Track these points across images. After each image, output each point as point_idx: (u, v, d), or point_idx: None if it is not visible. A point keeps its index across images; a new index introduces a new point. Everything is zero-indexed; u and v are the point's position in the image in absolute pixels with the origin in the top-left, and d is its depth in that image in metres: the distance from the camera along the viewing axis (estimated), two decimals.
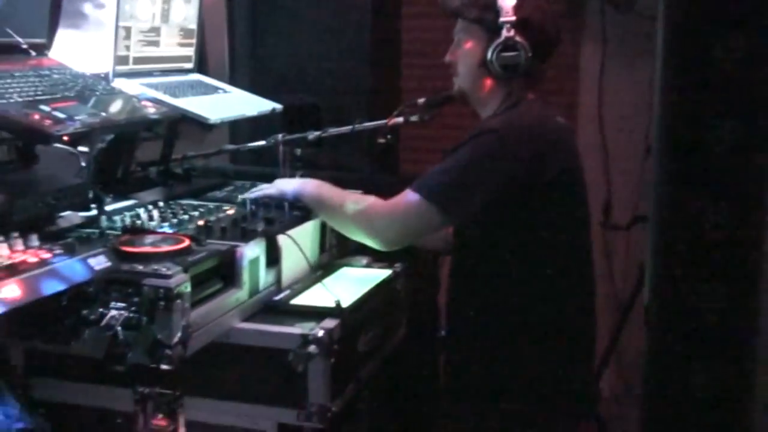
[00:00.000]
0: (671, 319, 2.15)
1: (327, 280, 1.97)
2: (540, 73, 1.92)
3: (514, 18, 1.84)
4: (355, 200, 1.93)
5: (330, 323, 1.73)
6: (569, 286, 1.87)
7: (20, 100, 1.65)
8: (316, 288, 1.91)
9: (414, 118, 2.16)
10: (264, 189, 2.05)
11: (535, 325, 1.83)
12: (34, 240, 1.51)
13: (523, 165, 1.78)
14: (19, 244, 1.47)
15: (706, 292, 2.07)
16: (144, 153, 2.32)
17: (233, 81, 2.71)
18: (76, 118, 1.67)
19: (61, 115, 1.65)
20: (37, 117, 1.60)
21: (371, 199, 1.90)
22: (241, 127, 2.62)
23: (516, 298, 1.84)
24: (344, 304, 1.79)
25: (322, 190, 1.98)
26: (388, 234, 1.85)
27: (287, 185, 2.03)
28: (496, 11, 1.85)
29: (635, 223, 3.15)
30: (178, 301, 1.51)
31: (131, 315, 1.50)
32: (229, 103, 2.38)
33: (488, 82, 1.90)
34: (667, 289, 2.13)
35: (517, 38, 1.84)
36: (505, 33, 1.84)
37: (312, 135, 2.34)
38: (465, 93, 1.96)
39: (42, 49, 1.94)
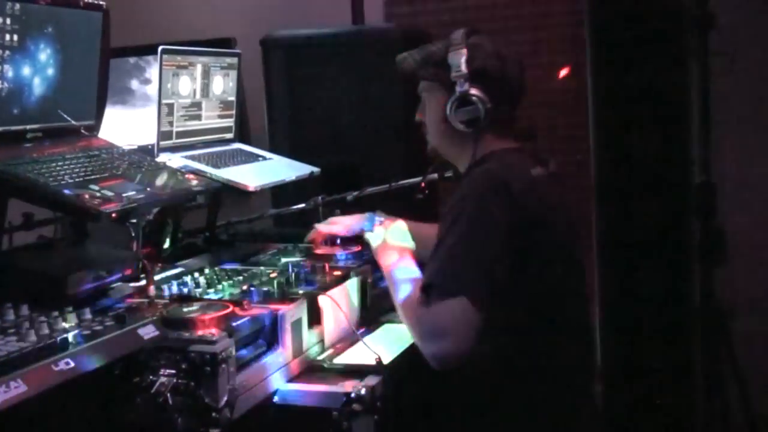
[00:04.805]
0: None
1: (369, 338, 2.02)
2: (509, 120, 1.88)
3: (466, 71, 1.80)
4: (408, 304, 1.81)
5: (372, 380, 1.77)
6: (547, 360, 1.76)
7: (71, 181, 1.75)
8: (359, 346, 1.96)
9: (448, 174, 2.21)
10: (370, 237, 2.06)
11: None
12: (87, 313, 1.58)
13: (499, 220, 1.70)
14: (73, 318, 1.55)
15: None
16: (190, 221, 2.42)
17: (273, 147, 2.81)
18: (124, 195, 1.76)
19: (110, 193, 1.75)
20: (87, 197, 1.70)
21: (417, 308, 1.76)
22: (284, 191, 2.71)
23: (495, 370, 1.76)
24: (386, 361, 1.84)
25: (384, 260, 1.96)
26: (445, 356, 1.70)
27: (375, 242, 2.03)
28: (449, 66, 1.82)
29: None
30: (224, 365, 1.57)
31: (180, 381, 1.56)
32: (269, 169, 2.46)
33: (455, 138, 1.86)
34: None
35: (473, 91, 1.79)
36: (459, 88, 1.80)
37: (350, 195, 2.42)
38: (437, 151, 1.95)
39: (91, 130, 2.06)
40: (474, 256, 1.71)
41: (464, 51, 1.80)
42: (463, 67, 1.80)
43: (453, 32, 1.85)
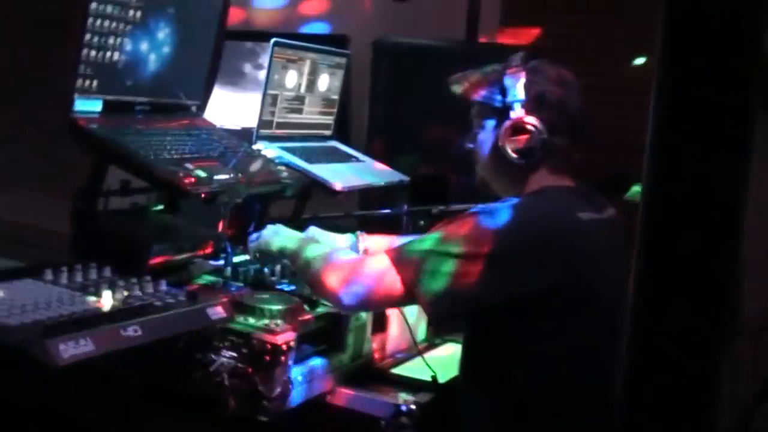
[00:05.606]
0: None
1: (430, 354, 2.02)
2: (568, 155, 1.69)
3: (523, 97, 1.64)
4: (319, 254, 1.73)
5: (424, 397, 1.78)
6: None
7: (169, 157, 1.83)
8: (418, 360, 1.97)
9: None
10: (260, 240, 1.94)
11: None
12: (163, 285, 1.65)
13: (507, 264, 1.56)
14: (149, 287, 1.62)
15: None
16: (278, 209, 2.47)
17: (370, 150, 2.84)
18: (215, 177, 1.83)
19: (203, 174, 1.81)
20: (180, 174, 1.77)
21: (337, 256, 1.71)
22: (373, 194, 2.73)
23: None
24: (441, 380, 1.84)
25: (279, 238, 1.86)
26: (344, 295, 1.65)
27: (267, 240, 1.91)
28: (505, 90, 1.66)
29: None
30: (283, 357, 1.61)
31: (238, 365, 1.61)
32: (360, 171, 2.49)
33: (505, 169, 1.69)
34: None
35: (528, 118, 1.63)
36: (513, 114, 1.64)
37: (436, 209, 2.43)
38: (486, 181, 1.77)
39: (197, 110, 2.14)
40: (437, 263, 1.57)
41: (522, 74, 1.65)
42: (520, 93, 1.64)
43: (512, 54, 1.71)
